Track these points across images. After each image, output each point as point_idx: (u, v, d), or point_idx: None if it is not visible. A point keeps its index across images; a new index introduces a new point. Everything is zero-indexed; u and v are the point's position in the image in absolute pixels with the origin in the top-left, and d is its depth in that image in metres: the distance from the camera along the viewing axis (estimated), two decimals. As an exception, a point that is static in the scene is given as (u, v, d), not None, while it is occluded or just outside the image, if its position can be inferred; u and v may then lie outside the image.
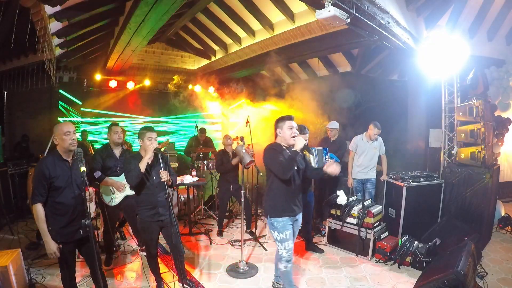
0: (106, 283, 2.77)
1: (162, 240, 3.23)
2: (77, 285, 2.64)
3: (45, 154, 4.24)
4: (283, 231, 2.71)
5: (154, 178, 2.84)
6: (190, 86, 7.73)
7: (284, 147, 2.70)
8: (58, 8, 3.75)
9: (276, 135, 2.78)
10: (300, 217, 2.89)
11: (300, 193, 2.85)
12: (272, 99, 7.83)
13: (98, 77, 6.58)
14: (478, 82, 4.25)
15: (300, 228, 3.00)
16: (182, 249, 2.61)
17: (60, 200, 2.31)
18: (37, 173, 2.27)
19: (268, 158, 2.68)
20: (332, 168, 2.60)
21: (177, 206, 5.33)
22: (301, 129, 3.68)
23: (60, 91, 6.79)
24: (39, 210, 2.24)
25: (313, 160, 3.65)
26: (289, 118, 2.72)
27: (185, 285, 3.05)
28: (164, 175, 2.69)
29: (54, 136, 2.34)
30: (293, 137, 2.64)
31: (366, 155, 4.53)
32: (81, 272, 3.29)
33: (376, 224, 3.95)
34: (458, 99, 4.67)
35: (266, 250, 4.14)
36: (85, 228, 2.18)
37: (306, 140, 3.72)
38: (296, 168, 2.65)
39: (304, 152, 3.63)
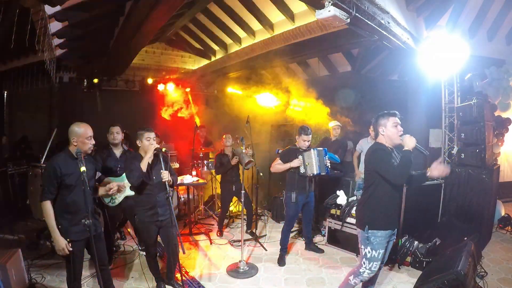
0: (112, 282, 2.77)
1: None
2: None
3: (45, 155, 4.25)
4: (378, 248, 2.35)
5: (154, 178, 2.84)
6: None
7: (390, 148, 2.39)
8: (58, 8, 3.74)
9: (377, 135, 2.44)
10: (396, 230, 2.52)
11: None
12: (272, 99, 7.83)
13: (98, 78, 6.58)
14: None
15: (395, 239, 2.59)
16: (183, 250, 2.60)
17: (71, 198, 2.34)
18: (48, 171, 2.32)
19: (378, 161, 2.31)
20: (437, 170, 2.36)
21: (177, 207, 5.33)
22: (304, 130, 3.68)
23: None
24: (48, 207, 2.28)
25: (314, 161, 3.65)
26: (393, 114, 2.39)
27: None
28: (166, 175, 2.69)
29: (73, 137, 2.36)
30: (400, 135, 2.34)
31: None
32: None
33: (376, 224, 3.95)
34: (458, 99, 4.67)
35: (266, 250, 4.14)
36: (85, 228, 2.19)
37: (308, 141, 3.72)
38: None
39: (306, 153, 3.66)
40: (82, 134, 2.36)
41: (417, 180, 2.56)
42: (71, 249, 2.29)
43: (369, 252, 2.36)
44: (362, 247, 2.42)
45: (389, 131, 2.37)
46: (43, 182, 2.35)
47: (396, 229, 2.49)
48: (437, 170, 2.37)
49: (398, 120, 2.38)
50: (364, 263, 2.40)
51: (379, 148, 2.37)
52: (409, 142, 2.28)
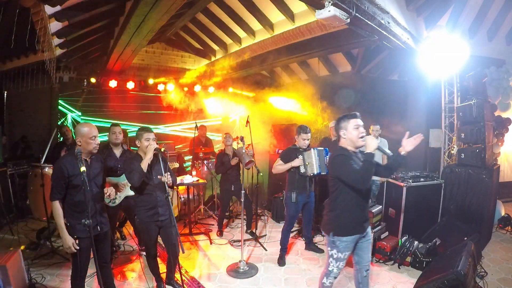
0: (113, 281, 2.77)
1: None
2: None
3: (45, 155, 4.25)
4: (344, 251, 2.37)
5: (154, 178, 2.84)
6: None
7: (352, 152, 2.35)
8: (58, 8, 3.75)
9: (339, 138, 2.42)
10: (370, 230, 2.52)
11: (369, 205, 2.49)
12: (272, 99, 7.83)
13: (97, 78, 6.55)
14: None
15: (370, 241, 2.59)
16: (182, 249, 2.61)
17: (78, 198, 2.36)
18: (56, 171, 2.36)
19: (338, 167, 2.29)
20: (410, 143, 2.27)
21: (177, 207, 5.32)
22: (303, 129, 3.68)
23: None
24: (57, 207, 2.34)
25: (315, 161, 3.65)
26: (353, 116, 2.33)
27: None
28: (166, 178, 2.70)
29: (78, 137, 2.39)
30: (362, 137, 2.29)
31: None
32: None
33: (376, 224, 3.95)
34: (458, 99, 4.67)
35: (266, 250, 4.14)
36: (85, 228, 2.19)
37: (308, 140, 3.72)
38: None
39: (306, 153, 3.67)
40: (86, 134, 2.38)
41: (394, 166, 2.44)
42: (78, 247, 2.33)
43: (335, 254, 2.39)
44: (329, 248, 2.44)
45: (350, 133, 2.32)
46: (52, 183, 2.39)
47: (366, 232, 2.45)
48: (409, 143, 2.28)
49: (360, 122, 2.32)
50: (331, 262, 2.43)
51: (339, 154, 2.33)
52: (371, 144, 2.23)
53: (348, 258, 2.44)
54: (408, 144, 2.28)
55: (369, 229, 2.50)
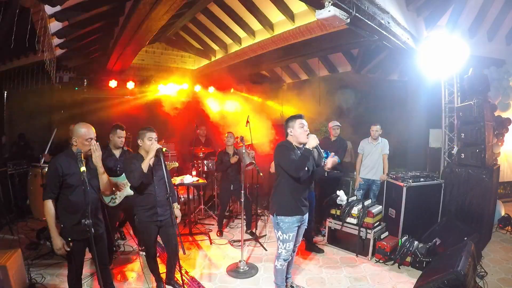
0: (113, 282, 2.77)
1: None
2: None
3: (45, 154, 4.26)
4: (287, 232, 2.68)
5: (154, 178, 2.84)
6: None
7: (296, 147, 2.72)
8: (58, 8, 3.74)
9: (286, 135, 2.79)
10: (307, 217, 2.88)
11: (307, 193, 2.85)
12: (272, 99, 7.84)
13: (96, 79, 6.55)
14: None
15: (306, 228, 2.98)
16: (183, 250, 2.61)
17: (73, 198, 2.34)
18: (50, 170, 2.35)
19: (279, 155, 2.67)
20: (331, 162, 2.67)
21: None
22: None
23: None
24: (49, 206, 2.31)
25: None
26: (299, 116, 2.73)
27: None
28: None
29: (74, 137, 2.37)
30: (306, 134, 2.66)
31: (372, 156, 4.63)
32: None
33: (376, 224, 3.96)
34: (458, 99, 4.67)
35: (266, 250, 4.14)
36: (85, 228, 2.18)
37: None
38: (306, 168, 2.64)
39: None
40: (82, 135, 2.36)
41: (318, 173, 2.86)
42: (68, 249, 2.30)
43: (281, 235, 2.71)
44: (275, 231, 2.76)
45: (296, 131, 2.69)
46: (46, 181, 2.36)
47: (305, 216, 2.81)
48: (331, 162, 2.68)
49: (304, 122, 2.70)
50: (279, 244, 2.74)
51: (282, 145, 2.71)
52: (311, 141, 2.56)
53: (295, 244, 2.84)
54: (330, 162, 2.68)
55: (306, 215, 2.84)
